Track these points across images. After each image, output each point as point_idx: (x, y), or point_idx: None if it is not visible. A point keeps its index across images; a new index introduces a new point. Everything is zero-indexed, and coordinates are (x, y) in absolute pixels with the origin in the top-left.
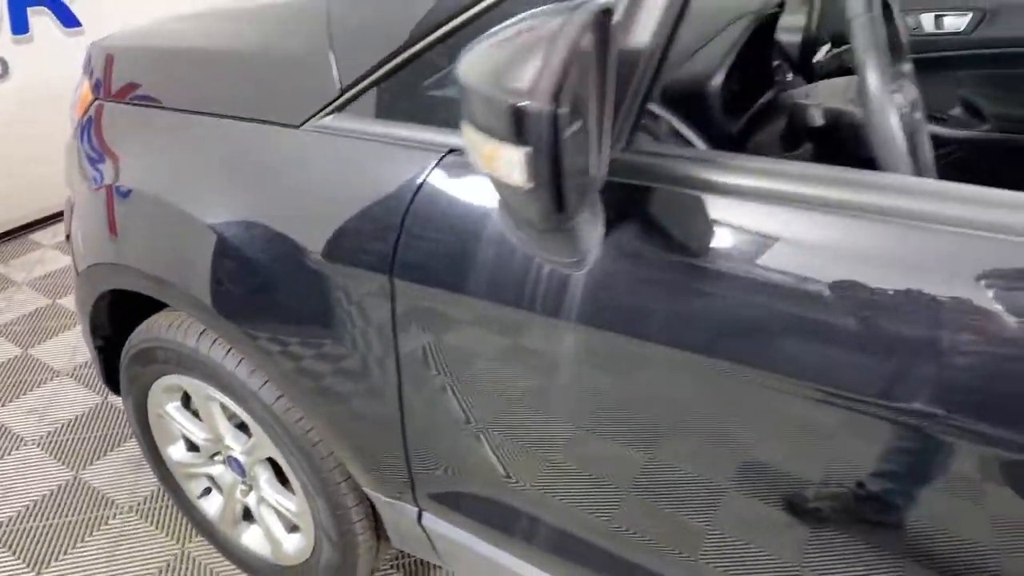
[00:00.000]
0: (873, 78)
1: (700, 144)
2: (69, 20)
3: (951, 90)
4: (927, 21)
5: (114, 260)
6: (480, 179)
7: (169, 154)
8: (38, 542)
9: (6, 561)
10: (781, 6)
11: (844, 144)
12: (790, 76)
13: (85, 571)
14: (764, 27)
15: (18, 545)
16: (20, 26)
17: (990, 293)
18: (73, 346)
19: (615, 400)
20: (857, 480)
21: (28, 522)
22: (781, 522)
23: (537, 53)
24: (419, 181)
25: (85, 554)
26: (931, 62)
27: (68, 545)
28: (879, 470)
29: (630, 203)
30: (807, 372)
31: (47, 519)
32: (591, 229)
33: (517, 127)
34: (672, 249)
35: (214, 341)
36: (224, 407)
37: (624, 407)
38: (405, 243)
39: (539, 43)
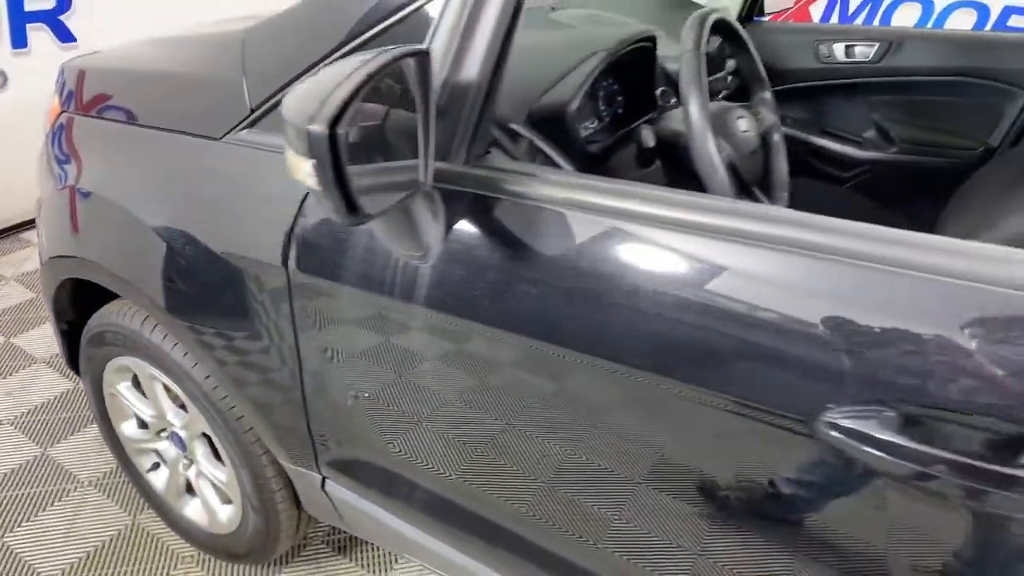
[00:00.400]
0: (694, 108)
1: (561, 160)
2: (65, 36)
3: (866, 114)
4: (839, 50)
5: (75, 253)
6: None
7: (121, 162)
8: (5, 509)
9: None
10: (652, 41)
11: (682, 161)
12: (673, 100)
13: (46, 536)
14: (637, 59)
15: None
16: (19, 40)
17: (759, 294)
18: (51, 336)
19: (460, 375)
20: (661, 449)
21: None
22: (612, 483)
23: (331, 88)
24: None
25: (46, 522)
26: (847, 88)
27: (32, 513)
28: (673, 440)
29: (467, 208)
30: (599, 349)
31: (14, 489)
32: (433, 228)
33: (307, 144)
34: (498, 247)
35: (154, 326)
36: (167, 387)
37: (466, 382)
38: (296, 237)
39: (336, 81)
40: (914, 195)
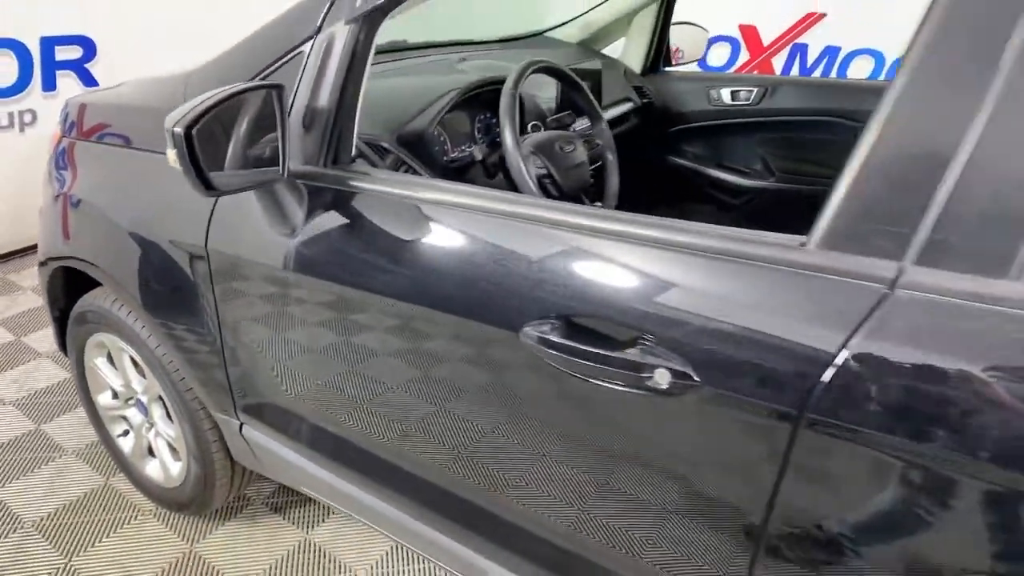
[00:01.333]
0: (506, 132)
1: (423, 171)
2: (89, 81)
3: (753, 149)
4: (726, 94)
5: (69, 254)
6: None
7: (106, 173)
8: None
9: None
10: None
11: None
12: (541, 130)
13: (30, 492)
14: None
15: None
16: (49, 84)
17: (493, 250)
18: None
19: (325, 325)
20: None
21: None
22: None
23: (195, 106)
24: None
25: (32, 481)
26: (736, 127)
27: (20, 474)
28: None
29: (322, 198)
30: (406, 295)
31: (8, 455)
32: (299, 212)
33: (171, 140)
34: (341, 224)
35: (120, 304)
36: (133, 360)
37: (332, 330)
38: (213, 224)
39: (199, 101)
40: (791, 218)
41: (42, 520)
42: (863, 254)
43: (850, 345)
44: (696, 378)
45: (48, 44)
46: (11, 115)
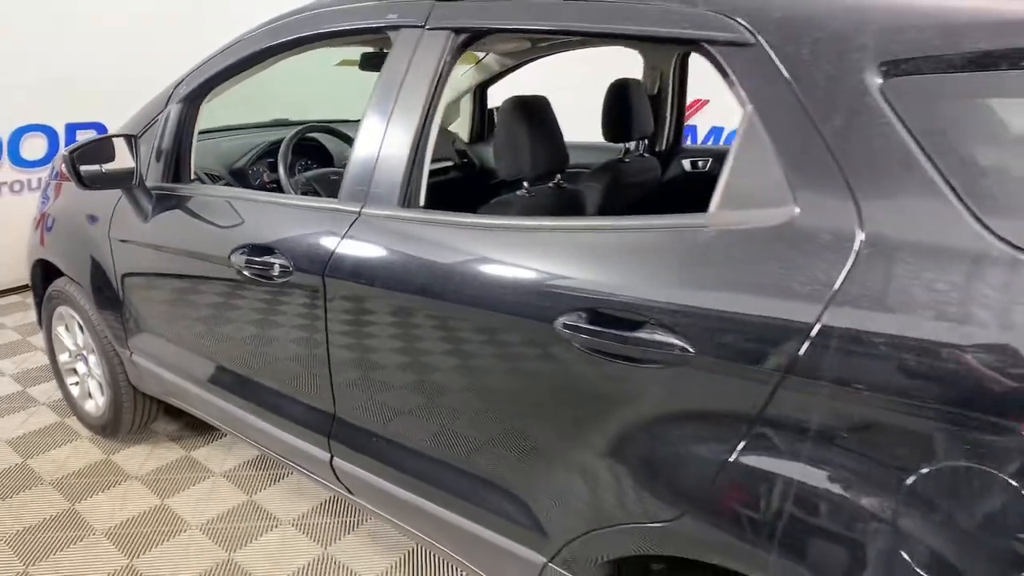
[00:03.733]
0: (280, 168)
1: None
2: None
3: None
4: None
5: (43, 254)
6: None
7: (72, 199)
8: None
9: None
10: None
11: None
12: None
13: (6, 424)
14: (309, 146)
15: None
16: None
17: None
18: None
19: (162, 274)
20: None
21: None
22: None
23: (79, 143)
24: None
25: (11, 420)
26: None
27: (4, 414)
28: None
29: (164, 199)
30: (196, 249)
31: None
32: (148, 207)
33: (63, 159)
34: (172, 212)
35: (71, 283)
36: (80, 326)
37: (164, 278)
38: (113, 219)
39: (83, 141)
40: None
41: (13, 440)
42: (353, 200)
43: (342, 239)
44: (291, 268)
45: (71, 128)
46: (39, 180)
